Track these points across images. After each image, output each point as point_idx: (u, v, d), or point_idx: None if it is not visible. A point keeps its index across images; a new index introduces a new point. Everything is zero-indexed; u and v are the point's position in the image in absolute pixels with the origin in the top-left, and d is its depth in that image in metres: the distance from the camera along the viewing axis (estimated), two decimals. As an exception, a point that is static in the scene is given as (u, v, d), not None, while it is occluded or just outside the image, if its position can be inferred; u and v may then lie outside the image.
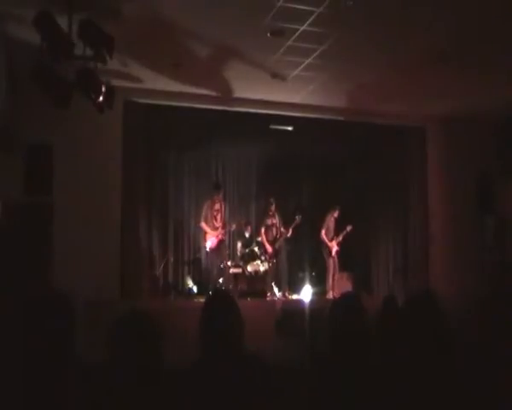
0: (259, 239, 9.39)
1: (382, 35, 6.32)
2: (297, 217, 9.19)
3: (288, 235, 9.27)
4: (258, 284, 9.17)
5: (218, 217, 8.87)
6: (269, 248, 9.22)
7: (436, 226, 9.77)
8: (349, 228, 9.40)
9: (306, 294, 9.20)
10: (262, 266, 9.21)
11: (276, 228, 9.31)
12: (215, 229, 8.78)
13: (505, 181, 9.80)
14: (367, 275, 10.30)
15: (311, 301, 8.38)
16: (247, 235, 9.60)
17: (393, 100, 8.83)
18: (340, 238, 9.46)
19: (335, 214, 9.50)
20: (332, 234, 9.48)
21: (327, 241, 9.42)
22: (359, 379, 2.17)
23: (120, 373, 1.95)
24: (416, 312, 2.30)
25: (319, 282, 9.60)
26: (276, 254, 9.30)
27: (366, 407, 2.13)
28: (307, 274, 9.66)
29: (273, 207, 9.25)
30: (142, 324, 2.03)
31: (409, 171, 10.10)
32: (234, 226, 9.34)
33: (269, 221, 9.31)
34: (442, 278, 9.25)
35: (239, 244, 9.59)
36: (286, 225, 9.30)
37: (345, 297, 2.58)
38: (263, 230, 9.31)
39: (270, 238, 9.28)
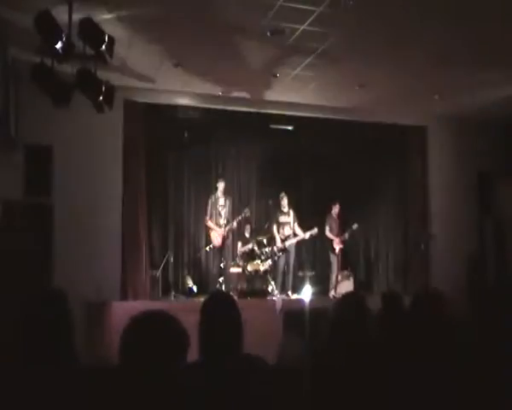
0: (261, 239, 9.30)
1: (382, 35, 6.32)
2: (315, 229, 9.06)
3: (306, 237, 9.15)
4: (258, 284, 9.15)
5: (223, 213, 8.84)
6: (280, 244, 9.08)
7: (436, 226, 9.77)
8: (355, 226, 9.39)
9: (307, 293, 9.17)
10: (262, 266, 9.18)
11: (290, 227, 9.16)
12: (220, 226, 8.78)
13: (505, 181, 9.80)
14: (367, 275, 10.29)
15: (312, 301, 8.35)
16: (246, 235, 9.57)
17: (393, 100, 8.83)
18: (346, 236, 9.40)
19: (336, 210, 9.47)
20: (336, 231, 9.45)
21: (333, 237, 9.39)
22: (361, 379, 2.16)
23: (120, 373, 1.95)
24: (417, 311, 2.29)
25: (320, 281, 9.58)
26: (283, 251, 9.17)
27: (367, 407, 2.13)
28: (307, 273, 9.63)
29: (285, 202, 9.08)
30: (158, 325, 1.97)
31: (409, 171, 10.10)
32: (240, 218, 9.15)
33: (281, 218, 9.13)
34: (442, 278, 9.24)
35: (239, 244, 9.57)
36: (302, 228, 9.16)
37: (349, 297, 2.56)
38: (275, 227, 9.14)
39: (282, 237, 9.09)
